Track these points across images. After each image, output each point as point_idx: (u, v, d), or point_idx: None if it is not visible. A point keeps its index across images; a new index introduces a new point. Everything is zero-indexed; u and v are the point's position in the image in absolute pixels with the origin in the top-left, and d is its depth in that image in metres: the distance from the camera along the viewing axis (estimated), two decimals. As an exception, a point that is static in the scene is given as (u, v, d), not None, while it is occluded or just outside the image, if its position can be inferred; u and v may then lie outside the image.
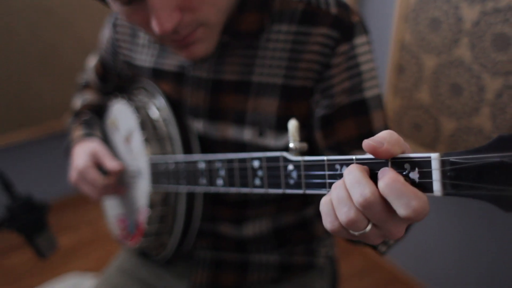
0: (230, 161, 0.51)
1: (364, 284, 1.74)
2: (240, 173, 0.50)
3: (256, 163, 0.48)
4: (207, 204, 0.76)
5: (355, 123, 0.62)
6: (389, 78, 1.35)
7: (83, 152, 0.76)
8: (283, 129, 0.64)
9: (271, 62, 0.63)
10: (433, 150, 1.27)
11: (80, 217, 2.14)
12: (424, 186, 0.33)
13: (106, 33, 0.83)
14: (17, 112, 1.92)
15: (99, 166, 0.76)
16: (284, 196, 0.76)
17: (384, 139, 0.34)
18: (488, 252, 1.33)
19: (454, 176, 0.31)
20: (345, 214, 0.36)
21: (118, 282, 0.84)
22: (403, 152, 0.35)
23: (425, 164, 0.32)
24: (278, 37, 0.62)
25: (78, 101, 0.92)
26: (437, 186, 0.32)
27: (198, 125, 0.70)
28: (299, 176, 0.43)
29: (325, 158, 0.40)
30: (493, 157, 0.30)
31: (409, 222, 0.36)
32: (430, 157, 0.32)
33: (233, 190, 0.52)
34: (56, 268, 1.79)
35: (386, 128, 0.65)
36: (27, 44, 1.84)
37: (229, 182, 0.52)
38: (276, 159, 0.45)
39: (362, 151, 0.40)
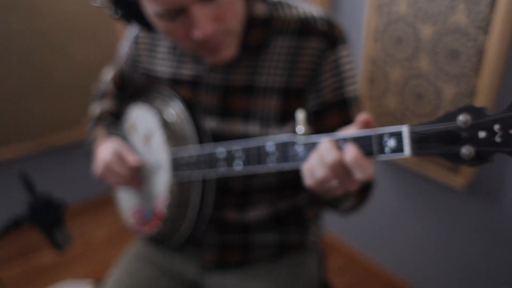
0: (247, 146, 0.65)
1: (345, 280, 1.85)
2: (257, 156, 0.64)
3: (270, 146, 0.62)
4: (215, 193, 0.88)
5: (338, 117, 0.78)
6: (362, 88, 1.53)
7: (108, 149, 0.87)
8: (284, 122, 0.79)
9: (273, 70, 0.78)
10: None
11: (73, 229, 2.18)
12: (398, 149, 0.48)
13: (126, 49, 0.95)
14: (9, 128, 1.98)
15: (122, 161, 0.88)
16: (281, 184, 0.90)
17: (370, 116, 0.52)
18: (468, 244, 1.47)
19: (418, 140, 0.47)
20: (320, 172, 0.54)
21: (136, 267, 0.94)
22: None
23: (398, 134, 0.48)
24: (278, 50, 0.78)
25: (97, 109, 1.03)
26: (407, 149, 0.47)
27: (211, 123, 0.83)
28: (307, 149, 0.58)
29: (325, 137, 0.55)
30: (442, 126, 0.45)
31: (360, 181, 0.54)
32: (401, 129, 0.48)
33: (250, 171, 0.66)
34: (50, 279, 1.82)
35: None
36: (21, 65, 1.92)
37: (247, 163, 0.66)
38: (287, 139, 0.60)
39: None
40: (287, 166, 0.61)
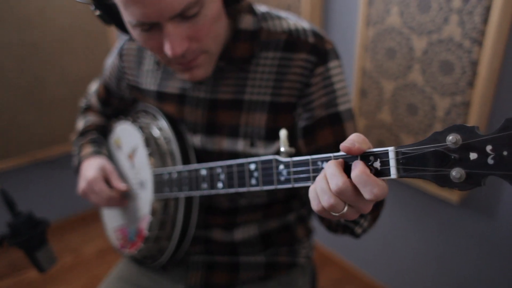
0: (229, 166, 0.62)
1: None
2: (238, 175, 0.61)
3: (252, 166, 0.59)
4: (201, 213, 0.85)
5: (331, 132, 0.74)
6: (354, 101, 1.50)
7: (93, 166, 0.84)
8: (272, 139, 0.76)
9: (260, 83, 0.75)
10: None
11: (63, 244, 2.15)
12: (384, 171, 0.45)
13: (111, 61, 0.93)
14: (2, 142, 1.95)
15: (106, 181, 0.85)
16: (269, 203, 0.86)
17: (354, 140, 0.47)
18: (462, 257, 1.45)
19: (405, 162, 0.43)
20: (326, 200, 0.47)
21: (118, 290, 0.90)
22: (369, 148, 0.47)
23: (384, 155, 0.45)
24: (265, 62, 0.75)
25: (81, 122, 1.00)
26: (393, 171, 0.44)
27: (196, 140, 0.80)
28: (288, 173, 0.54)
29: (309, 157, 0.52)
30: (430, 147, 0.42)
31: (373, 202, 0.48)
32: (387, 150, 0.44)
33: (232, 190, 0.62)
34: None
35: None
36: (14, 77, 1.90)
37: (228, 184, 0.63)
38: (269, 161, 0.57)
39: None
40: (269, 187, 0.57)
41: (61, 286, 1.89)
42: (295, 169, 0.53)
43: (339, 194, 0.46)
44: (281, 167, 0.55)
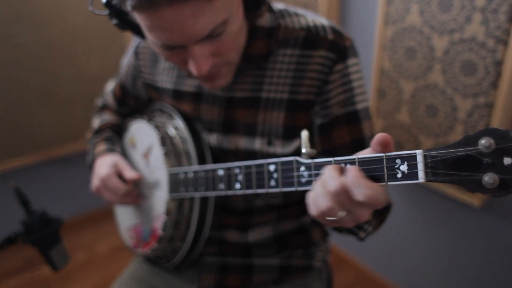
0: (248, 167, 0.61)
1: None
2: (257, 176, 0.59)
3: (272, 167, 0.57)
4: (215, 213, 0.84)
5: (348, 131, 0.73)
6: (371, 101, 1.47)
7: (106, 163, 0.84)
8: (289, 138, 0.74)
9: (278, 81, 0.73)
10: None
11: (75, 241, 2.16)
12: (411, 175, 0.43)
13: (127, 60, 0.92)
14: (18, 140, 1.97)
15: (119, 176, 0.84)
16: (285, 204, 0.85)
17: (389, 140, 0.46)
18: (478, 262, 1.41)
19: (433, 166, 0.41)
20: (322, 204, 0.47)
21: (131, 289, 0.90)
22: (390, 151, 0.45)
23: (411, 158, 0.43)
24: (283, 59, 0.73)
25: (96, 121, 1.00)
26: (421, 175, 0.42)
27: (212, 138, 0.79)
28: (310, 175, 0.52)
29: (331, 159, 0.50)
30: (461, 151, 0.40)
31: (369, 208, 0.47)
32: (415, 153, 0.42)
33: (250, 191, 0.61)
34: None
35: (373, 135, 0.76)
36: (30, 75, 1.92)
37: (247, 185, 0.61)
38: (290, 162, 0.55)
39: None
40: (289, 189, 0.56)
41: (74, 283, 1.90)
42: (316, 172, 0.52)
43: (336, 196, 0.46)
44: (302, 168, 0.53)
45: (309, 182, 0.53)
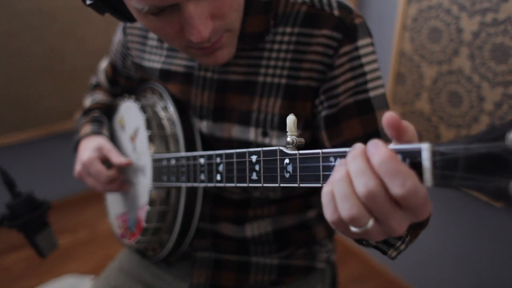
0: (229, 155, 0.52)
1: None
2: (237, 167, 0.51)
3: (254, 157, 0.49)
4: (209, 204, 0.76)
5: (360, 122, 0.62)
6: (388, 86, 1.36)
7: (89, 146, 0.77)
8: (286, 129, 0.65)
9: (276, 63, 0.64)
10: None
11: (78, 219, 2.15)
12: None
13: (117, 37, 0.85)
14: (18, 114, 1.94)
15: (104, 160, 0.78)
16: (285, 197, 0.76)
17: (408, 126, 0.36)
18: (486, 258, 1.32)
19: (443, 166, 0.32)
20: (347, 209, 0.34)
21: (117, 283, 0.84)
22: (410, 141, 0.35)
23: (415, 154, 0.33)
24: (282, 39, 0.64)
25: (87, 100, 0.94)
26: (427, 177, 0.33)
27: (202, 126, 0.71)
28: (294, 169, 0.44)
29: (319, 150, 0.41)
30: (481, 147, 0.30)
31: (408, 212, 0.35)
32: (420, 148, 0.33)
33: (230, 185, 0.53)
34: (53, 269, 1.79)
35: None
36: (30, 47, 1.85)
37: (227, 177, 0.53)
38: (273, 153, 0.46)
39: None
40: (271, 185, 0.47)
41: (74, 261, 1.88)
42: (302, 165, 0.43)
43: (368, 200, 0.33)
44: (287, 161, 0.45)
45: (293, 178, 0.44)
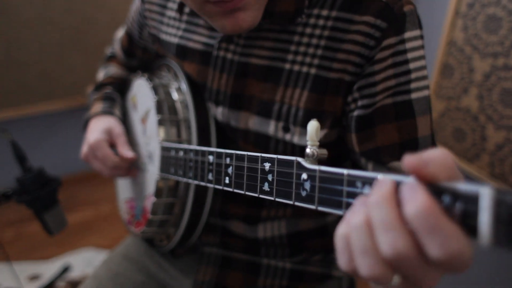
0: (240, 157, 0.45)
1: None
2: (248, 173, 0.44)
3: (267, 165, 0.41)
4: (220, 199, 0.71)
5: (397, 128, 0.54)
6: (432, 78, 1.23)
7: (98, 128, 0.73)
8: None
9: (306, 50, 0.56)
10: (477, 161, 1.15)
11: (102, 193, 2.16)
12: (466, 229, 0.25)
13: (134, 5, 0.79)
14: (48, 84, 1.93)
15: (112, 145, 0.73)
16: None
17: (432, 159, 0.26)
18: (486, 258, 1.23)
19: (510, 221, 0.23)
20: (366, 267, 0.28)
21: (119, 270, 0.80)
22: (452, 179, 0.26)
23: (470, 200, 0.25)
24: (316, 22, 0.55)
25: (101, 73, 0.89)
26: (484, 233, 0.24)
27: (217, 112, 0.64)
28: (312, 188, 0.36)
29: (345, 171, 0.33)
30: None
31: (446, 271, 0.27)
32: (477, 192, 0.24)
33: (239, 192, 0.46)
34: (74, 240, 1.81)
35: (432, 136, 0.57)
36: (61, 17, 1.83)
37: (236, 183, 0.46)
38: (289, 164, 0.39)
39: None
40: (285, 201, 0.40)
41: (95, 234, 1.89)
42: (322, 185, 0.35)
43: (393, 261, 0.27)
44: (304, 176, 0.37)
45: (310, 198, 0.36)
